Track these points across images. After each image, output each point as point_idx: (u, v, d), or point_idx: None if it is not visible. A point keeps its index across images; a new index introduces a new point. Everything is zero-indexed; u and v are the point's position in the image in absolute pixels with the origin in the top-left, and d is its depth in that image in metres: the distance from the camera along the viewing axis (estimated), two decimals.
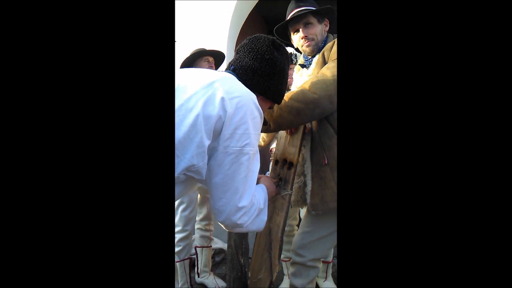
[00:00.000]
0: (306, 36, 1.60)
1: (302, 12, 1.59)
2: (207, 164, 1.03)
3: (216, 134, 1.01)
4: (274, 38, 1.23)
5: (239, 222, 1.10)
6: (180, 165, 0.97)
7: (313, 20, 1.61)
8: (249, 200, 1.10)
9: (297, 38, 1.64)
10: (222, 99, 0.99)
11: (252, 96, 1.06)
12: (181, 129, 0.96)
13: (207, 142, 0.99)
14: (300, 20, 1.61)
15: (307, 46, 1.62)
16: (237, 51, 1.23)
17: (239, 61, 1.18)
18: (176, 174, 0.97)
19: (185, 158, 0.97)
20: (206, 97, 0.99)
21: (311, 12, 1.61)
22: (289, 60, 1.28)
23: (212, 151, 1.03)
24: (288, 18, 1.64)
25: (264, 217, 1.21)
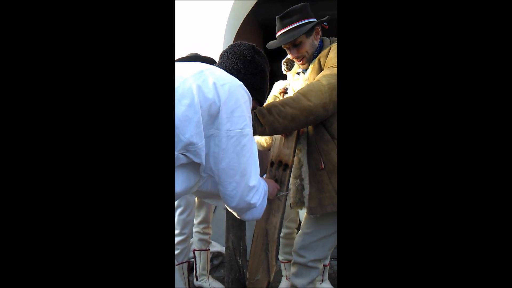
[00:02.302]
0: (297, 56, 1.64)
1: (288, 36, 1.59)
2: (212, 152, 1.08)
3: (212, 119, 1.06)
4: (254, 44, 1.30)
5: (252, 201, 1.15)
6: (179, 144, 1.01)
7: (301, 38, 1.60)
8: (257, 179, 1.16)
9: (290, 55, 1.69)
10: (214, 84, 1.06)
11: (240, 82, 1.13)
12: (180, 108, 1.00)
13: (203, 123, 1.03)
14: (287, 41, 1.61)
15: (302, 64, 1.67)
16: (220, 56, 1.31)
17: (223, 63, 1.26)
18: (176, 152, 1.01)
19: (185, 138, 1.00)
20: (200, 81, 1.05)
21: (296, 31, 1.59)
22: (268, 65, 1.34)
23: (210, 139, 1.07)
24: (276, 43, 1.64)
25: (264, 203, 1.26)
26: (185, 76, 1.05)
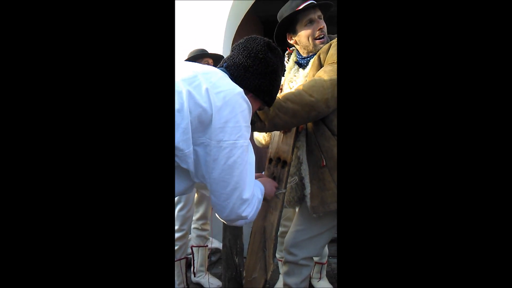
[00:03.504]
0: (322, 30, 1.58)
1: (315, 4, 1.56)
2: (203, 161, 1.04)
3: (203, 127, 1.01)
4: (270, 40, 1.23)
5: (243, 214, 1.11)
6: None
7: (322, 15, 1.61)
8: (250, 191, 1.12)
9: (309, 31, 1.58)
10: (207, 90, 1.01)
11: (239, 89, 1.07)
12: None
13: (191, 129, 1.00)
14: (315, 12, 1.58)
15: (321, 41, 1.59)
16: (232, 49, 1.25)
17: (233, 58, 1.19)
18: None
19: None
20: (192, 86, 1.01)
21: (321, 6, 1.60)
22: (283, 64, 1.28)
23: (201, 147, 1.03)
24: (304, 6, 1.57)
25: (259, 206, 1.22)
26: (177, 80, 1.01)
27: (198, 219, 2.42)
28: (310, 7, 1.57)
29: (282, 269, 1.72)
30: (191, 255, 2.47)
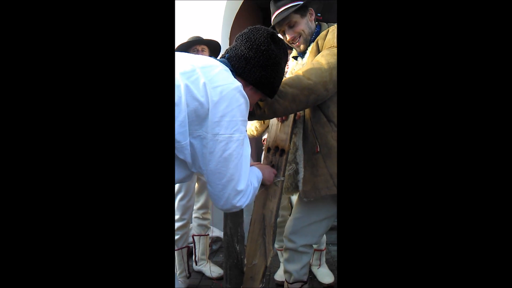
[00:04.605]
0: (293, 37, 1.58)
1: (282, 15, 1.54)
2: (200, 152, 1.06)
3: (200, 120, 1.03)
4: (274, 31, 1.22)
5: (238, 204, 1.14)
6: None
7: (295, 17, 1.56)
8: (245, 183, 1.14)
9: (286, 38, 1.62)
10: (205, 85, 1.02)
11: (237, 83, 1.08)
12: None
13: (188, 122, 1.01)
14: (283, 22, 1.57)
15: (297, 45, 1.61)
16: (235, 39, 1.24)
17: (235, 49, 1.19)
18: None
19: None
20: (189, 80, 1.02)
21: (292, 11, 1.55)
22: (286, 56, 1.27)
23: (197, 139, 1.05)
24: (272, 23, 1.60)
25: (255, 192, 1.25)
26: (175, 74, 1.01)
27: (199, 209, 2.44)
28: (276, 23, 1.57)
29: (283, 256, 1.75)
30: (192, 244, 2.50)
